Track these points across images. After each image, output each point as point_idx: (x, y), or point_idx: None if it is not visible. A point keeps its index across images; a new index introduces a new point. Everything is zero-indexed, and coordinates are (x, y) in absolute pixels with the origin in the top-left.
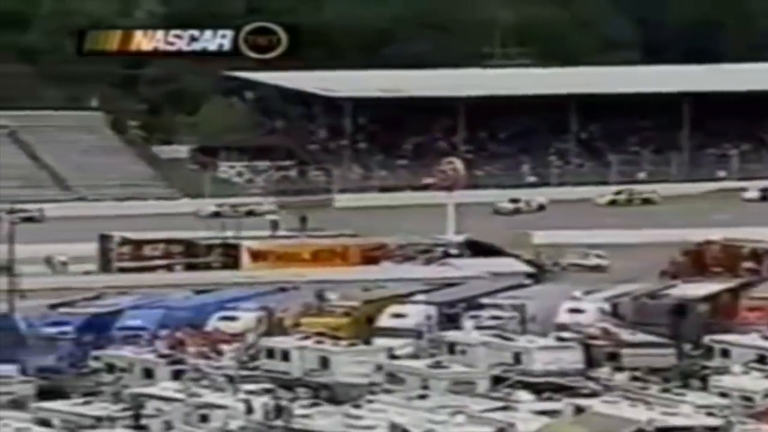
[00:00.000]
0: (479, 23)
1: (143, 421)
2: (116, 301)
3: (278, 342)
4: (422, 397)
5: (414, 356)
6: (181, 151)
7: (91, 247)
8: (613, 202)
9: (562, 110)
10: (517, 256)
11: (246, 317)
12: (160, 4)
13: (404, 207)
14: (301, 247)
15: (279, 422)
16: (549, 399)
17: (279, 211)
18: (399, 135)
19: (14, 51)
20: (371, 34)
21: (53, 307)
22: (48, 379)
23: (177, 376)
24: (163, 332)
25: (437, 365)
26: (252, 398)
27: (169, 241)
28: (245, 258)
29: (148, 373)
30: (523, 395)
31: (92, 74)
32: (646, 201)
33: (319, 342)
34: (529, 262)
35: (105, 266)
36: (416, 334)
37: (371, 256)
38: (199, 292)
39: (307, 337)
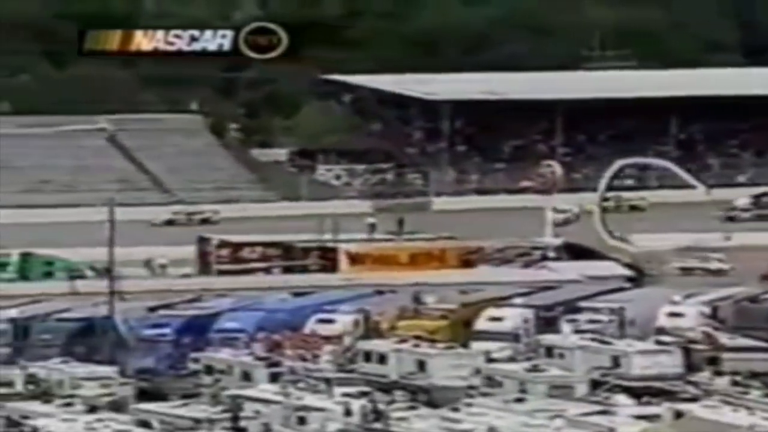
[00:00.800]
0: (578, 25)
1: (241, 423)
2: (215, 303)
3: (375, 345)
4: (520, 400)
5: (511, 360)
6: (279, 154)
7: (190, 250)
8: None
9: (662, 113)
10: (615, 260)
11: (343, 320)
12: (258, 7)
13: (501, 210)
14: (399, 250)
15: (377, 425)
16: (648, 403)
17: (376, 214)
18: (496, 138)
19: None
20: (469, 36)
21: (152, 309)
22: (147, 380)
23: (275, 378)
24: (261, 335)
25: (535, 369)
26: (350, 401)
27: (267, 244)
28: (343, 261)
29: (247, 376)
30: (622, 399)
31: (192, 78)
32: None
33: (416, 345)
34: (628, 266)
35: (204, 269)
36: (514, 337)
37: (469, 259)
38: (296, 295)
39: (404, 340)
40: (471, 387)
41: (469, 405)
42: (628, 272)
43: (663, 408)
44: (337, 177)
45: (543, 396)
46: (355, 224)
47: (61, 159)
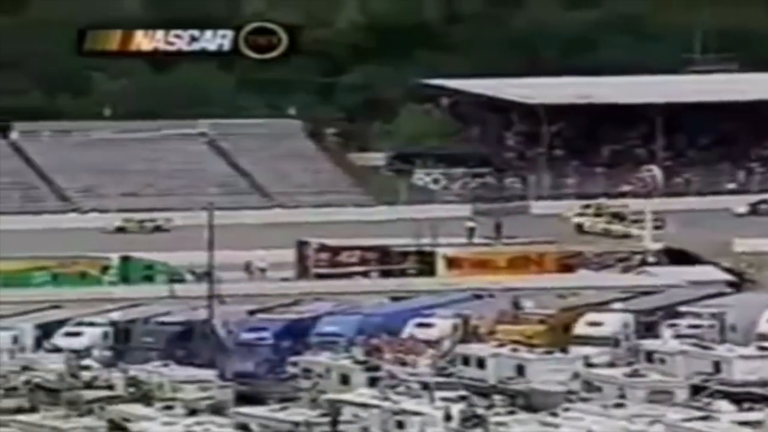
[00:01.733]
0: (679, 28)
1: (340, 427)
2: (313, 307)
3: (474, 349)
4: (619, 405)
5: (611, 364)
6: (378, 158)
7: (289, 254)
8: None
9: (764, 116)
10: (716, 264)
11: (442, 324)
12: (360, 13)
13: None
14: (497, 254)
15: (475, 430)
16: (750, 409)
17: (475, 218)
18: (596, 142)
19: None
20: (569, 39)
21: (252, 313)
22: (246, 384)
23: (373, 382)
24: (360, 338)
25: (635, 374)
26: (449, 405)
27: (365, 248)
28: (441, 265)
29: (345, 379)
30: (723, 405)
31: (291, 82)
32: None
33: (514, 350)
34: (728, 271)
35: (302, 273)
36: (613, 342)
37: (567, 264)
38: (394, 299)
39: (502, 345)
40: (570, 392)
41: (568, 410)
42: (728, 277)
43: (765, 414)
44: (436, 181)
45: (642, 401)
46: (453, 228)
47: (161, 163)
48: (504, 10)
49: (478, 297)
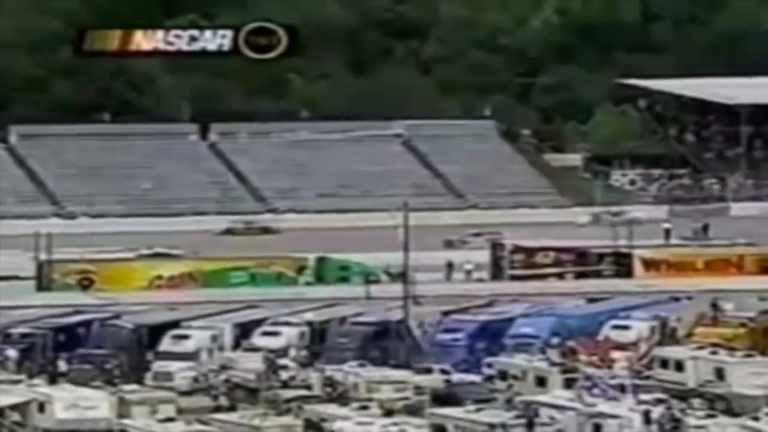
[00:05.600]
0: None
1: (536, 429)
2: (508, 308)
3: (672, 352)
4: None
5: None
6: (574, 159)
7: (483, 255)
8: None
9: None
10: None
11: (639, 327)
12: (557, 13)
13: None
14: (695, 255)
15: None
16: None
17: (672, 220)
18: None
19: (415, 60)
20: None
21: (446, 314)
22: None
23: (569, 384)
24: (555, 340)
25: None
26: (647, 408)
27: (561, 249)
28: (637, 267)
29: (541, 381)
30: None
31: (486, 84)
32: None
33: (713, 353)
34: None
35: (496, 273)
36: None
37: None
38: (590, 301)
39: (701, 348)
40: None
41: None
42: None
43: None
44: (632, 182)
45: None
46: (650, 230)
47: (358, 164)
48: (703, 10)
49: (676, 299)
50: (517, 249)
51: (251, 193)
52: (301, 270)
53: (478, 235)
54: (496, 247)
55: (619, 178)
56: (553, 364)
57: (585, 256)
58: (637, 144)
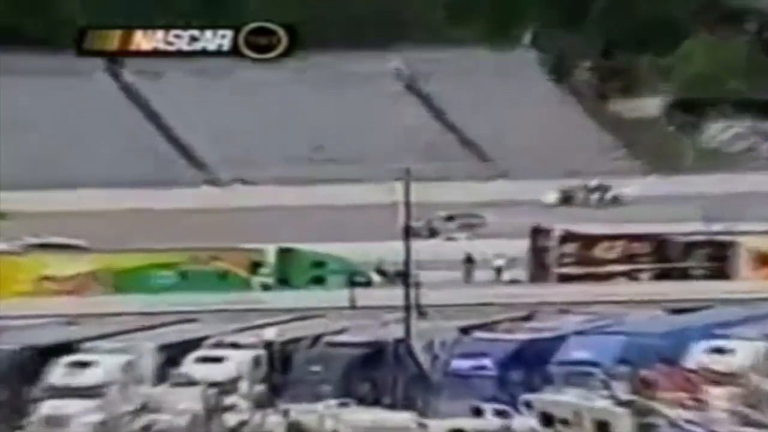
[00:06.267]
0: None
1: None
2: (555, 323)
3: None
4: None
5: None
6: (651, 105)
7: (520, 246)
8: None
9: None
10: None
11: (745, 348)
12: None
13: None
14: None
15: None
16: None
17: None
18: None
19: None
20: None
21: (466, 330)
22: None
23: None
24: (623, 369)
25: None
26: None
27: (631, 237)
28: (742, 263)
29: (602, 428)
30: None
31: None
32: None
33: None
34: None
35: (539, 272)
36: None
37: None
38: (674, 312)
39: None
40: None
41: None
42: None
43: None
44: (736, 139)
45: None
46: (763, 209)
47: (340, 115)
48: None
49: None
50: (569, 237)
51: (185, 158)
52: (255, 267)
53: (450, 218)
54: (537, 234)
55: (716, 134)
56: (621, 403)
57: (666, 246)
58: (744, 85)
